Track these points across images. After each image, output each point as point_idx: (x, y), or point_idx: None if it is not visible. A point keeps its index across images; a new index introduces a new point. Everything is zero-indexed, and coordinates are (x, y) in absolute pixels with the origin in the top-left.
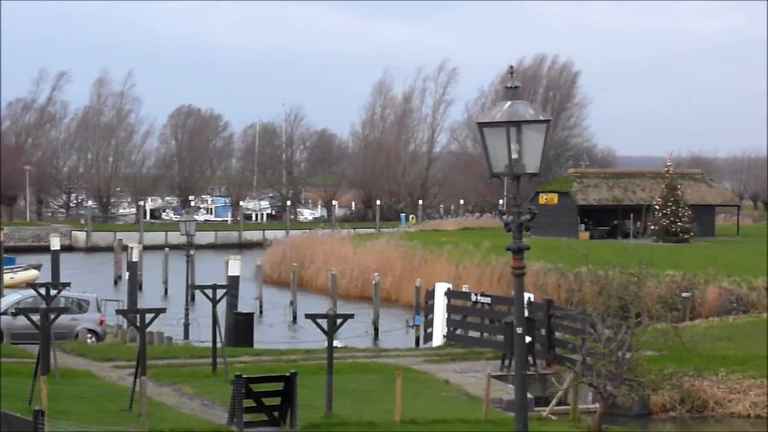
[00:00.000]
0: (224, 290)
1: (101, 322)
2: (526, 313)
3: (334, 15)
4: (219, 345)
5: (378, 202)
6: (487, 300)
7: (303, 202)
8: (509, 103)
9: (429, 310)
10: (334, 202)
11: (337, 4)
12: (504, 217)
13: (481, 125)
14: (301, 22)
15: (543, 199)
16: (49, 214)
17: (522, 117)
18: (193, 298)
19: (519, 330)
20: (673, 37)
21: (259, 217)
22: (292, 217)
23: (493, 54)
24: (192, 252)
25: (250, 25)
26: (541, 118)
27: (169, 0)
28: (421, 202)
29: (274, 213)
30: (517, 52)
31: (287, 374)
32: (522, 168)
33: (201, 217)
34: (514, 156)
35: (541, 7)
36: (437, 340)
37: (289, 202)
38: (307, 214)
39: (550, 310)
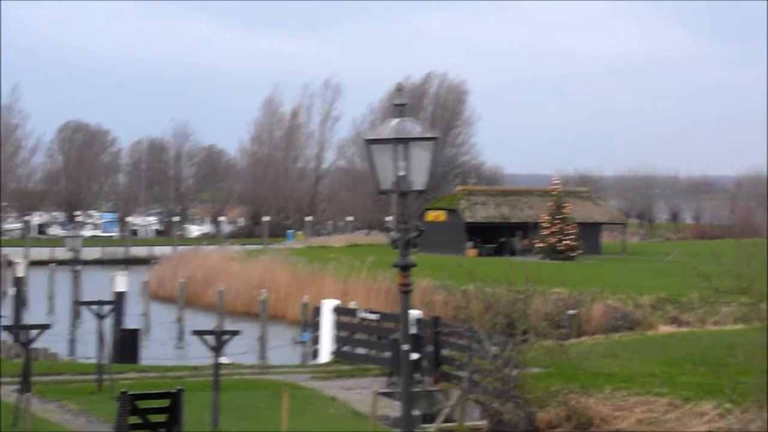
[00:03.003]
0: (110, 306)
1: None
2: (413, 330)
3: (221, 30)
4: (105, 361)
5: (266, 218)
6: (375, 316)
7: (191, 218)
8: (397, 120)
9: (316, 326)
10: (221, 218)
11: (224, 19)
12: (391, 233)
13: (369, 142)
14: (189, 37)
15: (431, 216)
16: None
17: (409, 134)
18: (79, 315)
19: (405, 347)
20: (563, 56)
21: (146, 232)
22: (180, 233)
23: (383, 70)
24: (78, 268)
25: (139, 39)
26: (428, 135)
27: (55, 11)
28: (309, 218)
29: (161, 229)
30: (406, 69)
31: (173, 391)
32: (409, 185)
33: (88, 232)
34: (402, 173)
35: (433, 24)
36: (324, 356)
37: (176, 218)
38: (194, 230)
39: (438, 326)
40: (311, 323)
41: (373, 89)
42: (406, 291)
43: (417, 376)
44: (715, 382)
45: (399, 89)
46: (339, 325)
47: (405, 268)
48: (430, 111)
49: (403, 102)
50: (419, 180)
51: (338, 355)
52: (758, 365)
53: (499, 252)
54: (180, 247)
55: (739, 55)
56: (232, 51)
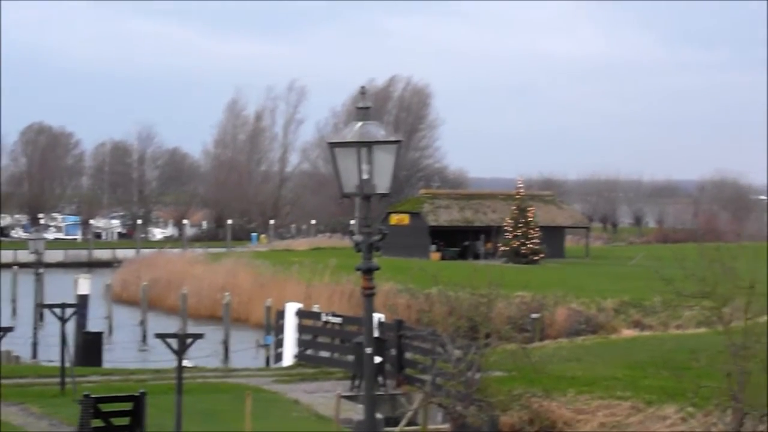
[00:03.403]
0: (73, 309)
1: None
2: (376, 333)
3: (185, 31)
4: (67, 364)
5: (229, 221)
6: (338, 320)
7: (154, 220)
8: (360, 123)
9: (279, 329)
10: (185, 221)
11: (188, 20)
12: (354, 236)
13: (332, 145)
14: (153, 39)
15: (394, 219)
16: None
17: (373, 137)
18: (42, 317)
19: (368, 350)
20: (528, 59)
21: (109, 235)
22: (143, 235)
23: (348, 73)
24: (41, 270)
25: (101, 40)
26: (391, 138)
27: (14, 13)
28: (272, 221)
29: (124, 232)
30: (370, 72)
31: (136, 394)
32: (373, 188)
33: (51, 235)
34: (365, 176)
35: (397, 27)
36: (287, 360)
37: (139, 221)
38: (157, 233)
39: (401, 330)
40: (274, 326)
41: (337, 92)
42: (369, 294)
43: (380, 379)
44: (677, 385)
45: (362, 92)
46: (302, 329)
47: (368, 271)
48: (394, 114)
49: (367, 105)
50: (383, 183)
51: (301, 359)
52: (721, 369)
53: (462, 255)
54: (143, 250)
55: (705, 60)
56: (196, 53)
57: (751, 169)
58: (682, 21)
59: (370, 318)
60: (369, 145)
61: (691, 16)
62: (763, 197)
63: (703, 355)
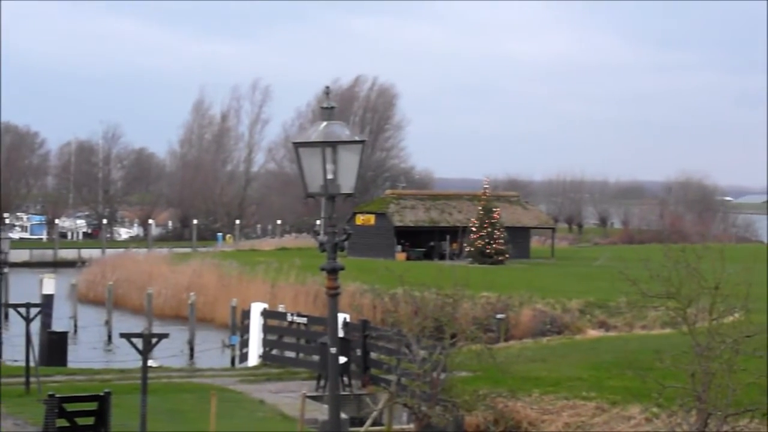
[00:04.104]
0: (38, 309)
1: None
2: (342, 334)
3: (151, 30)
4: (32, 364)
5: (195, 221)
6: (303, 320)
7: (119, 220)
8: (325, 123)
9: (245, 329)
10: (150, 221)
11: (154, 20)
12: (319, 236)
13: (297, 145)
14: (118, 38)
15: (360, 220)
16: None
17: (338, 137)
18: (6, 317)
19: (333, 350)
20: (495, 60)
21: (74, 235)
22: (108, 235)
23: (313, 73)
24: (6, 270)
25: (67, 39)
26: (356, 138)
27: None
28: (238, 221)
29: (90, 231)
30: (336, 72)
31: (101, 394)
32: (337, 188)
33: (16, 234)
34: (330, 176)
35: (363, 27)
36: (253, 360)
37: (105, 221)
38: (123, 232)
39: (366, 330)
40: (240, 326)
41: (303, 92)
42: (333, 294)
43: (345, 379)
44: (642, 386)
45: (327, 93)
46: (267, 329)
47: (332, 271)
48: (360, 115)
49: (332, 105)
50: (347, 183)
51: (267, 359)
52: (685, 369)
53: (428, 256)
54: (109, 250)
55: (672, 62)
56: (162, 52)
57: (717, 170)
58: (649, 23)
59: (335, 318)
60: (333, 145)
61: (658, 18)
62: (729, 198)
63: (667, 355)
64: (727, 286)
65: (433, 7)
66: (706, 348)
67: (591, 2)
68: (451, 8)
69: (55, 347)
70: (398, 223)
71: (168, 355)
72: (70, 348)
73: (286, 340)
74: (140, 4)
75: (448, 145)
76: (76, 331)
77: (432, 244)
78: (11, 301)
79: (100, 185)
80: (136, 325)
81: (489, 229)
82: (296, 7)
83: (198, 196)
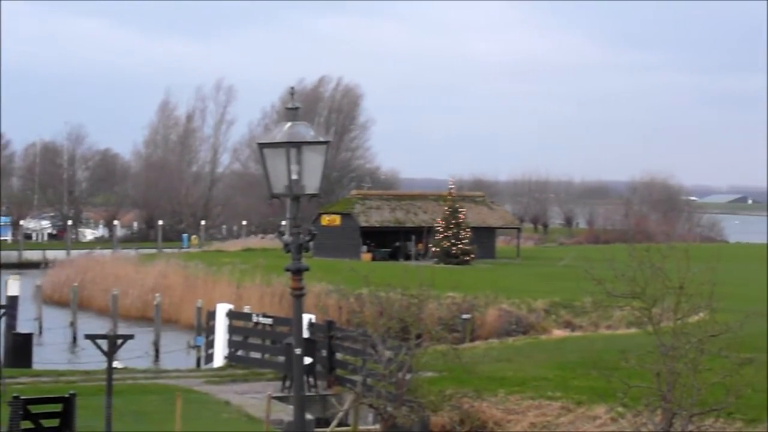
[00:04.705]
0: (2, 310)
1: None
2: (307, 335)
3: (118, 32)
4: None
5: (160, 222)
6: (269, 321)
7: (84, 221)
8: (290, 123)
9: (210, 330)
10: (115, 222)
11: (118, 20)
12: (284, 237)
13: (262, 146)
14: (83, 38)
15: (326, 220)
16: None
17: (302, 138)
18: None
19: (298, 351)
20: (460, 60)
21: (39, 236)
22: (74, 237)
23: (279, 73)
24: None
25: (32, 39)
26: (321, 139)
27: None
28: (203, 222)
29: (55, 233)
30: (301, 72)
31: (66, 395)
32: (302, 189)
33: None
34: (294, 177)
35: (329, 27)
36: (218, 361)
37: (70, 222)
38: (88, 234)
39: (331, 331)
40: (205, 327)
41: (269, 92)
42: (298, 295)
43: (311, 380)
44: (607, 385)
45: (291, 93)
46: (233, 330)
47: (297, 271)
48: (325, 115)
49: (296, 106)
50: (312, 184)
51: (232, 360)
52: (650, 369)
53: (393, 256)
54: (74, 251)
55: (637, 61)
56: (128, 53)
57: (682, 169)
58: (614, 23)
59: (300, 319)
60: (298, 145)
61: (624, 19)
62: (693, 198)
63: (633, 355)
64: (691, 285)
65: (396, 7)
66: (671, 348)
67: (556, 2)
68: (415, 8)
69: (19, 349)
70: (364, 224)
71: (133, 356)
72: (35, 349)
73: (252, 341)
74: (106, 4)
75: (413, 146)
76: (41, 332)
77: (397, 244)
78: None
79: (65, 186)
80: (102, 326)
81: (454, 230)
82: (262, 7)
83: (163, 197)
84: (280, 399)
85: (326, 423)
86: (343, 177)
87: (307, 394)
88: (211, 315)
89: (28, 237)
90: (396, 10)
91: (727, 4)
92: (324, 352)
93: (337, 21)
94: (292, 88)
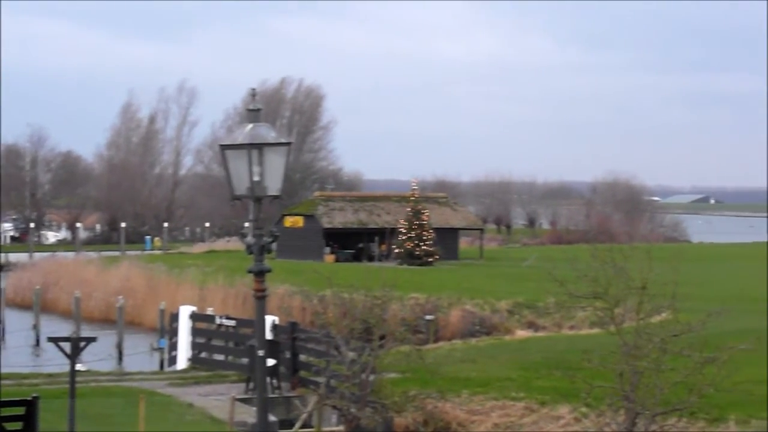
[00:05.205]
0: None
1: None
2: (270, 336)
3: (79, 32)
4: None
5: (123, 224)
6: (232, 323)
7: (47, 224)
8: (251, 125)
9: (173, 333)
10: (78, 225)
11: (81, 21)
12: (246, 239)
13: (223, 147)
14: (45, 39)
15: (289, 222)
16: None
17: (264, 139)
18: None
19: (261, 352)
20: (423, 62)
21: (1, 239)
22: (36, 239)
23: (241, 74)
24: None
25: None
26: (282, 140)
27: None
28: (166, 224)
29: (17, 235)
30: (264, 74)
31: (29, 398)
32: (264, 190)
33: None
34: (256, 178)
35: (290, 28)
36: (182, 363)
37: (32, 225)
38: (51, 236)
39: (295, 332)
40: (168, 330)
41: (231, 93)
42: (261, 297)
43: (274, 382)
44: (570, 386)
45: (253, 94)
46: (196, 332)
47: (260, 273)
48: (287, 116)
49: (257, 107)
50: (274, 185)
51: (195, 362)
52: (613, 369)
53: (357, 258)
54: (36, 254)
55: (601, 63)
56: (90, 54)
57: (644, 170)
58: (577, 24)
59: (262, 320)
60: (260, 147)
61: (587, 20)
62: (656, 198)
63: (595, 355)
64: (654, 285)
65: (359, 7)
66: (634, 347)
67: (521, 3)
68: (378, 10)
69: None
70: (327, 225)
71: (96, 358)
72: None
73: (215, 343)
74: (67, 5)
75: (376, 147)
76: (3, 335)
77: (361, 245)
78: None
79: (27, 189)
80: (65, 329)
81: (418, 231)
82: (225, 8)
83: (126, 200)
84: (243, 401)
85: (290, 425)
86: (306, 178)
87: (271, 395)
88: (174, 317)
89: None
90: (359, 12)
91: (689, 5)
92: (287, 354)
93: (299, 22)
94: (254, 89)
